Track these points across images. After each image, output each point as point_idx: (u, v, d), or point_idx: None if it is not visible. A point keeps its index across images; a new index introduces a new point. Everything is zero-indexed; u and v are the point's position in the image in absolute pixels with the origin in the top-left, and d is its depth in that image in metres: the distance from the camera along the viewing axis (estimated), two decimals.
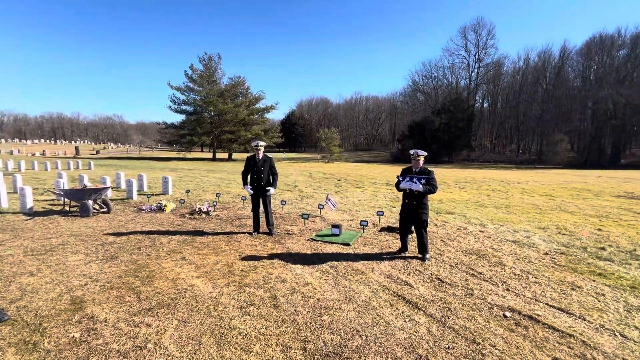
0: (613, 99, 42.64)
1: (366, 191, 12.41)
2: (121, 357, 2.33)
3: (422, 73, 72.02)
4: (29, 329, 2.69)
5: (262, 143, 5.67)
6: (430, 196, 5.17)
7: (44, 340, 2.53)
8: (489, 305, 3.30)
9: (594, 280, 4.01)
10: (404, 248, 4.94)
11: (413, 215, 4.66)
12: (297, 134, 78.66)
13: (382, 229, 6.42)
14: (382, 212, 7.18)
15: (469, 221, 7.38)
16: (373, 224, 6.87)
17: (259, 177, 5.67)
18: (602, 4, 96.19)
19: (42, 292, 3.36)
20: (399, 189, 4.75)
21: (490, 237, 5.98)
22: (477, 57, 63.08)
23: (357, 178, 17.94)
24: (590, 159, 42.68)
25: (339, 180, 16.78)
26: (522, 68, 61.69)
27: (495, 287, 3.77)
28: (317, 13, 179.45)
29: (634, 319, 3.09)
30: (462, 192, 12.55)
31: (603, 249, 5.32)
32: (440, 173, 24.70)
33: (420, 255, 4.77)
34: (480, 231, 6.46)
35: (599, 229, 6.71)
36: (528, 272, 4.24)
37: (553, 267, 4.47)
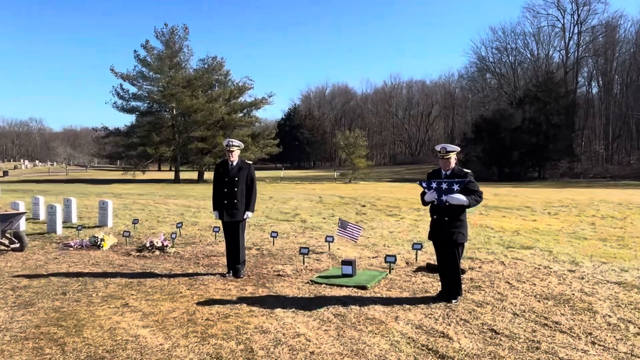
0: None
1: (403, 220, 12.70)
2: None
3: (492, 44, 73.00)
4: None
5: (236, 142, 6.20)
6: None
7: None
8: None
9: None
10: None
11: (443, 235, 4.97)
12: (303, 141, 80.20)
13: (420, 269, 6.70)
14: (421, 244, 7.46)
15: (555, 258, 7.55)
16: (406, 262, 7.15)
17: (231, 192, 6.13)
18: None
19: None
20: (424, 203, 5.11)
21: (583, 279, 6.16)
22: (576, 17, 63.62)
23: (390, 203, 18.29)
24: None
25: (363, 206, 17.18)
26: None
27: (575, 339, 3.98)
28: None
29: None
30: (552, 220, 12.65)
31: None
32: (524, 195, 24.72)
33: (444, 294, 5.07)
34: (569, 270, 6.64)
35: None
36: (629, 322, 4.42)
37: None
